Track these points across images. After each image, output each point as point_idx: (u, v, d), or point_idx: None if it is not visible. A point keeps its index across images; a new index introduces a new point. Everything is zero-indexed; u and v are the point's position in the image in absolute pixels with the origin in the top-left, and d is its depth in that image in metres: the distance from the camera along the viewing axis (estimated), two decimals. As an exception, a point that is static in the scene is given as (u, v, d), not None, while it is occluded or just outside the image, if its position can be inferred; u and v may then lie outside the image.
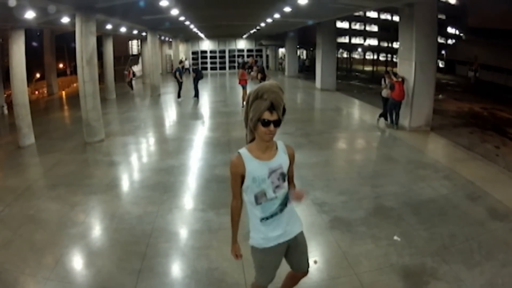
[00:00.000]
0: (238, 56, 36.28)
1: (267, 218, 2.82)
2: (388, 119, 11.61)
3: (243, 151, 2.76)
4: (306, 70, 34.95)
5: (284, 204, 2.85)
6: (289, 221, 2.92)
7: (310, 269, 4.34)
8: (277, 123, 2.63)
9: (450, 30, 49.31)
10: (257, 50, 37.66)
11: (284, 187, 2.83)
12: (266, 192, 2.76)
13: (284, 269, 3.16)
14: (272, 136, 2.67)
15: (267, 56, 37.87)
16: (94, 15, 10.38)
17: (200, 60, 36.46)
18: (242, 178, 2.74)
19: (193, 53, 37.07)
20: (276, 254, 2.96)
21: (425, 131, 11.04)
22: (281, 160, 2.80)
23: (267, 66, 36.00)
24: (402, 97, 10.98)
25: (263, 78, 14.51)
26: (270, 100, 2.58)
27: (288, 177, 2.90)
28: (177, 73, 18.79)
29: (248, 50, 37.42)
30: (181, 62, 21.21)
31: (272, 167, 2.75)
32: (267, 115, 2.59)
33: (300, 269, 3.19)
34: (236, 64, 34.60)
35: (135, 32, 23.44)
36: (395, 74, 11.45)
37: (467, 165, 8.03)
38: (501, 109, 17.39)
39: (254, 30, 27.16)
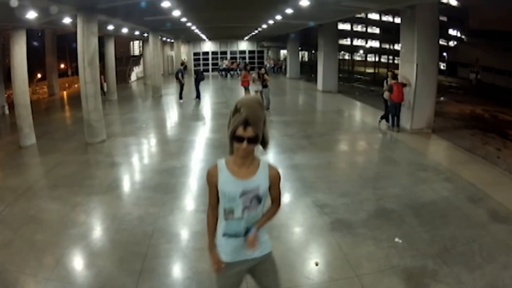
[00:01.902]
0: (240, 58, 36.46)
1: (229, 236, 2.65)
2: (390, 121, 11.60)
3: (220, 162, 2.63)
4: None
5: (250, 229, 2.64)
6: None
7: (311, 270, 4.35)
8: (252, 140, 2.44)
9: (452, 32, 49.29)
10: (258, 52, 37.68)
11: (256, 210, 2.62)
12: (234, 211, 2.58)
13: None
14: (246, 154, 2.50)
15: (268, 57, 37.80)
16: (96, 15, 10.39)
17: (201, 62, 36.48)
18: (217, 188, 2.60)
19: (194, 54, 37.09)
20: (231, 272, 2.73)
21: (427, 133, 11.02)
22: (259, 181, 2.58)
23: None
24: (400, 99, 10.96)
25: (263, 80, 14.51)
26: (245, 116, 2.39)
27: (271, 198, 2.72)
28: (179, 74, 18.81)
29: (250, 52, 37.46)
30: (182, 63, 21.24)
31: (246, 188, 2.55)
32: (240, 131, 2.41)
33: None
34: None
35: (137, 33, 23.48)
36: (394, 77, 11.45)
37: (468, 167, 8.02)
38: (502, 111, 17.37)
39: (256, 31, 27.17)
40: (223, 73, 33.47)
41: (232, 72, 33.49)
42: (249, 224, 2.63)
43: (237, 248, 2.66)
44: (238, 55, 37.13)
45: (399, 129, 11.26)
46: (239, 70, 33.50)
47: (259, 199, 2.61)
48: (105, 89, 20.39)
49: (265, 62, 28.61)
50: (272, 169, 2.66)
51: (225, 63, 34.01)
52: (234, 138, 2.45)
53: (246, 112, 2.40)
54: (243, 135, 2.42)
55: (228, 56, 37.02)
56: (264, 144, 2.57)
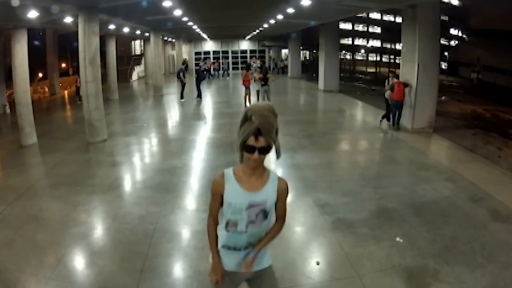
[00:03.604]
0: (242, 57, 36.42)
1: (228, 248, 2.56)
2: (390, 120, 11.59)
3: (228, 171, 2.52)
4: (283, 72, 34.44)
5: (252, 244, 2.55)
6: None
7: (312, 270, 4.35)
8: (263, 150, 2.34)
9: (453, 31, 49.29)
10: (260, 51, 37.66)
11: (260, 226, 2.51)
12: (237, 224, 2.47)
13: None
14: (257, 164, 2.39)
15: (269, 57, 37.78)
16: (97, 15, 10.40)
17: (211, 60, 36.49)
18: (222, 198, 2.50)
19: (196, 53, 37.09)
20: (228, 280, 2.64)
21: (428, 133, 11.01)
22: (267, 195, 2.48)
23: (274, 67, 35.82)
24: (401, 98, 10.97)
25: (264, 79, 14.51)
26: (257, 125, 2.29)
27: (276, 214, 2.61)
28: (181, 74, 18.84)
29: (251, 51, 37.45)
30: (184, 62, 21.23)
31: (254, 201, 2.44)
32: (252, 141, 2.31)
33: None
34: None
35: (138, 32, 23.49)
36: (396, 76, 11.47)
37: (469, 167, 8.01)
38: (503, 110, 17.35)
39: (257, 31, 27.17)
40: (206, 74, 30.46)
41: (214, 73, 32.57)
42: (251, 239, 2.53)
43: (236, 260, 2.58)
44: (239, 55, 37.15)
45: (398, 127, 11.25)
46: (223, 71, 33.41)
47: (265, 214, 2.50)
48: (81, 93, 20.14)
49: (251, 62, 28.29)
50: (281, 182, 2.55)
51: (206, 64, 30.40)
52: (245, 148, 2.35)
53: (258, 121, 2.29)
54: (255, 145, 2.32)
55: (230, 55, 37.04)
56: (277, 153, 2.47)
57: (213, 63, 33.24)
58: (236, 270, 2.60)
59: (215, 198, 2.53)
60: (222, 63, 34.05)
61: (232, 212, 2.46)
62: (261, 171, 2.50)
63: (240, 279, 2.71)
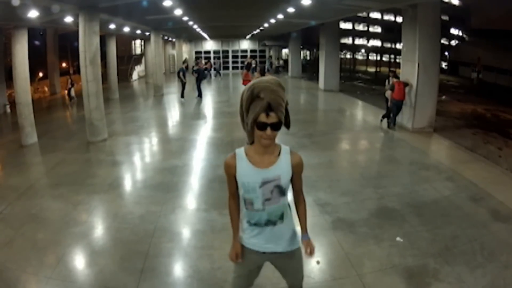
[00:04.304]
0: (242, 57, 36.36)
1: (250, 224, 2.57)
2: (391, 119, 11.60)
3: (239, 151, 2.50)
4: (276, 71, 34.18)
5: (273, 222, 2.54)
6: (272, 240, 2.60)
7: (313, 269, 4.35)
8: (275, 126, 2.30)
9: (454, 31, 49.23)
10: (260, 51, 37.67)
11: (278, 202, 2.50)
12: (253, 202, 2.48)
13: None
14: (270, 141, 2.36)
15: (270, 57, 37.78)
16: (98, 14, 10.39)
17: (203, 61, 36.46)
18: (235, 178, 2.51)
19: (196, 53, 37.08)
20: (249, 258, 2.67)
21: (428, 132, 11.01)
22: (280, 170, 2.46)
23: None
24: (401, 97, 10.97)
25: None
26: (267, 100, 2.25)
27: (293, 190, 2.63)
28: (181, 73, 18.86)
29: (252, 51, 37.45)
30: (184, 62, 21.24)
31: (266, 177, 2.43)
32: (263, 118, 2.27)
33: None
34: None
35: (138, 32, 23.48)
36: (396, 76, 11.49)
37: (470, 167, 8.01)
38: (504, 110, 17.34)
39: (258, 30, 27.16)
40: (206, 74, 29.74)
41: (207, 72, 30.51)
42: (271, 217, 2.53)
43: (261, 237, 2.58)
44: (239, 54, 37.11)
45: (394, 127, 11.29)
46: (215, 71, 32.99)
47: (281, 190, 2.49)
48: (73, 94, 20.03)
49: (245, 62, 28.06)
50: (295, 156, 2.53)
51: (198, 64, 28.65)
52: (256, 125, 2.31)
53: (268, 97, 2.26)
54: (266, 121, 2.28)
55: (230, 55, 37.03)
56: (288, 125, 2.45)
57: (206, 63, 32.78)
58: (261, 250, 2.63)
59: (229, 178, 2.56)
60: (214, 63, 33.82)
61: (246, 191, 2.48)
62: (273, 148, 2.48)
63: (264, 261, 2.74)
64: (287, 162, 2.49)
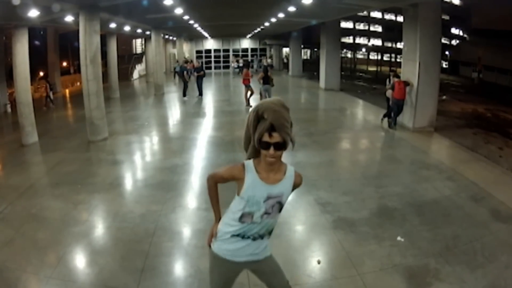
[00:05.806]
0: (243, 56, 36.31)
1: (236, 236, 2.57)
2: (392, 118, 11.60)
3: (249, 163, 2.51)
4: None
5: (261, 236, 2.58)
6: (254, 251, 2.63)
7: (313, 268, 4.35)
8: (278, 146, 2.36)
9: (454, 31, 49.24)
10: (261, 50, 37.66)
11: (274, 217, 2.56)
12: (253, 215, 2.49)
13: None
14: (274, 159, 2.41)
15: (271, 56, 37.77)
16: (98, 13, 10.38)
17: (204, 60, 36.47)
18: (231, 180, 2.56)
19: (197, 52, 37.07)
20: (228, 269, 2.70)
21: (429, 132, 11.00)
22: (284, 188, 2.53)
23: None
24: (402, 96, 10.97)
25: (265, 78, 14.47)
26: (270, 121, 2.31)
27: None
28: (184, 73, 18.87)
29: (252, 50, 37.45)
30: (187, 61, 21.25)
31: (271, 193, 2.49)
32: (266, 137, 2.33)
33: None
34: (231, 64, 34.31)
35: (139, 31, 23.50)
36: (397, 75, 11.48)
37: (470, 166, 8.00)
38: (504, 110, 17.36)
39: (259, 29, 27.16)
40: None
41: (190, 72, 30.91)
42: (262, 230, 2.57)
43: (242, 248, 2.59)
44: (240, 53, 37.11)
45: (394, 126, 11.28)
46: (194, 71, 32.20)
47: (280, 207, 2.56)
48: (52, 97, 18.77)
49: (231, 62, 27.60)
50: (298, 177, 2.61)
51: (187, 65, 27.64)
52: (261, 145, 2.37)
53: (271, 117, 2.32)
54: (269, 141, 2.34)
55: (231, 54, 37.00)
56: (292, 144, 2.49)
57: (186, 61, 31.91)
58: (240, 260, 2.64)
59: (227, 175, 2.58)
60: (199, 62, 33.19)
61: (250, 205, 2.48)
62: (279, 166, 2.53)
63: (242, 267, 2.75)
64: (291, 182, 2.57)
